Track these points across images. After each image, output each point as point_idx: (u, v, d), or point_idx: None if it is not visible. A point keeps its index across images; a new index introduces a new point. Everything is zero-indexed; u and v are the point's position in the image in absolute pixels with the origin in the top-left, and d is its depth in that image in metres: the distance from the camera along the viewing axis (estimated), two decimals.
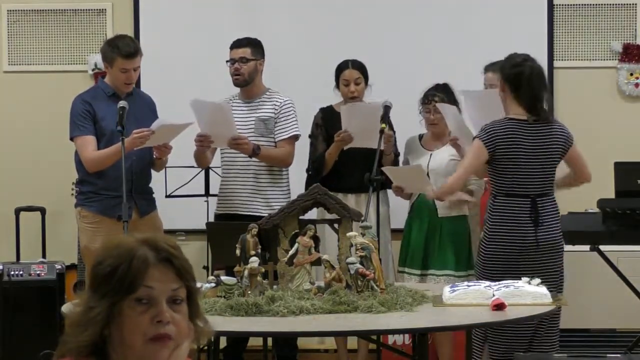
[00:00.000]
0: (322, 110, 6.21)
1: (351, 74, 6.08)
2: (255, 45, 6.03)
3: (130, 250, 2.02)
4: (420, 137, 6.09)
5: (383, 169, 5.71)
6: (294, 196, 5.74)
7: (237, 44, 6.03)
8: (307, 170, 6.18)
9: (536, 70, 5.03)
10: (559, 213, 5.08)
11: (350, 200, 5.81)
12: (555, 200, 5.06)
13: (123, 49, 5.62)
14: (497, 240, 4.93)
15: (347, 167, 5.99)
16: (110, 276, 2.01)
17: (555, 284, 4.89)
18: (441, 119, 5.80)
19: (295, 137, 6.04)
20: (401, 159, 6.13)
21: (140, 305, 2.00)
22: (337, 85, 6.14)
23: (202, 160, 6.03)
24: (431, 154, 5.94)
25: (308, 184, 6.08)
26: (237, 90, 6.07)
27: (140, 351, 2.00)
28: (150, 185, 5.89)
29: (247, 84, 6.00)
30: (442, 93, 5.87)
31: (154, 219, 5.85)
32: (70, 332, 2.03)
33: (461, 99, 5.72)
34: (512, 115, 4.98)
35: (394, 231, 6.22)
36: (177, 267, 2.04)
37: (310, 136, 6.18)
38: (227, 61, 6.01)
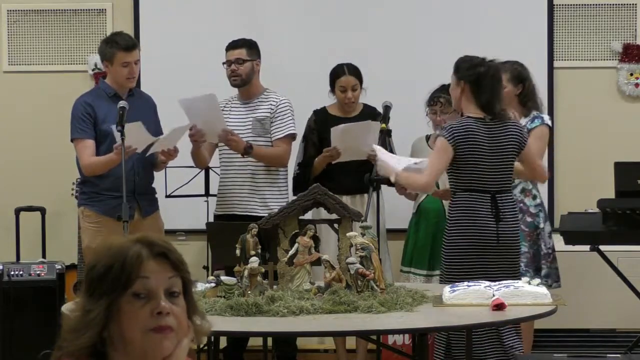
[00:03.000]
0: (315, 112, 6.21)
1: (348, 80, 6.08)
2: (250, 46, 6.02)
3: (124, 249, 2.02)
4: (427, 137, 6.09)
5: (374, 147, 5.72)
6: (292, 197, 5.77)
7: (233, 45, 6.02)
8: (295, 171, 6.20)
9: (497, 71, 5.12)
10: (517, 210, 5.18)
11: (345, 202, 5.80)
12: (513, 197, 5.18)
13: (121, 43, 5.64)
14: (460, 235, 5.02)
15: (341, 169, 5.98)
16: (105, 275, 2.00)
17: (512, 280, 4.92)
18: (448, 120, 5.81)
19: (292, 136, 6.04)
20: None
21: (139, 300, 2.00)
22: (332, 90, 6.14)
23: (199, 159, 6.01)
24: None
25: (295, 184, 6.09)
26: (236, 91, 6.07)
27: (142, 344, 1.99)
28: (153, 185, 5.90)
29: (245, 84, 6.00)
30: (447, 94, 5.87)
31: (156, 220, 5.86)
32: (68, 337, 2.02)
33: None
34: (470, 114, 5.08)
35: (395, 231, 6.22)
36: (172, 260, 2.05)
37: (303, 138, 6.18)
38: (223, 63, 6.01)
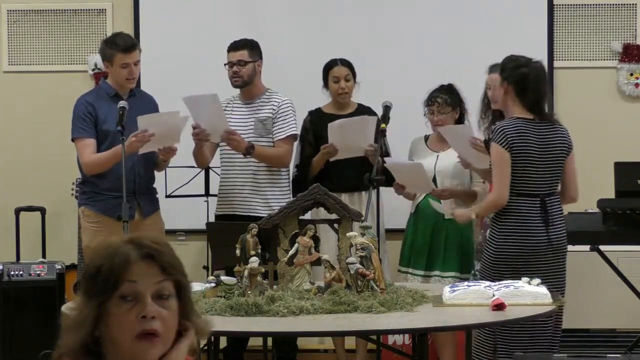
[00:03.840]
0: (311, 113, 6.22)
1: (340, 70, 6.11)
2: (252, 47, 6.02)
3: (113, 250, 2.02)
4: (426, 138, 6.08)
5: (386, 159, 5.72)
6: (293, 196, 5.77)
7: (235, 47, 6.02)
8: (294, 170, 6.20)
9: (542, 71, 5.06)
10: (563, 213, 5.11)
11: (344, 200, 5.80)
12: (560, 200, 5.08)
13: (121, 44, 5.64)
14: (508, 240, 4.94)
15: (338, 167, 5.98)
16: (95, 276, 2.01)
17: (560, 283, 4.92)
18: (445, 120, 5.81)
19: (293, 137, 6.04)
20: (406, 160, 6.12)
21: (126, 303, 2.00)
22: (326, 85, 6.15)
23: (201, 159, 6.01)
24: (438, 155, 5.93)
25: (295, 185, 6.09)
26: (237, 91, 6.08)
27: (129, 350, 2.00)
28: (154, 185, 5.90)
29: (247, 85, 6.00)
30: (445, 94, 5.88)
31: (156, 220, 5.85)
32: (65, 335, 2.03)
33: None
34: (519, 115, 5.01)
35: (394, 231, 6.22)
36: (160, 263, 2.03)
37: (299, 139, 6.19)
38: (225, 64, 6.01)
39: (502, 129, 4.97)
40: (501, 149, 4.94)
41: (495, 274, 4.90)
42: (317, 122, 6.12)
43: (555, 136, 5.03)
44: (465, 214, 5.23)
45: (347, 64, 6.14)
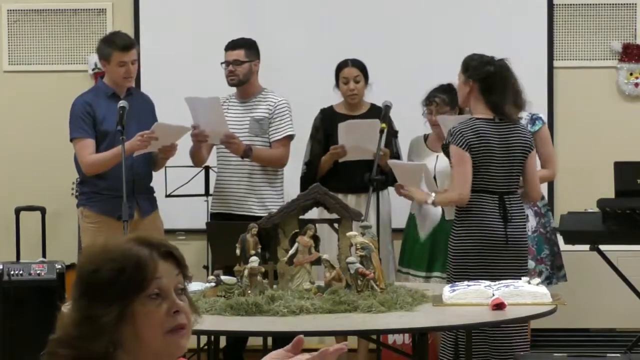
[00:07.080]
0: (322, 111, 6.22)
1: (350, 71, 6.10)
2: (249, 47, 6.02)
3: (130, 251, 2.02)
4: (426, 137, 6.08)
5: (388, 162, 5.71)
6: (287, 196, 5.77)
7: (231, 46, 6.02)
8: (303, 168, 6.20)
9: (507, 70, 5.08)
10: (524, 211, 5.15)
11: (351, 201, 5.81)
12: (520, 199, 5.12)
13: (118, 42, 5.65)
14: (467, 236, 4.99)
15: (346, 167, 5.98)
16: (116, 280, 1.99)
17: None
18: (446, 118, 5.81)
19: (290, 138, 6.04)
20: (405, 159, 6.11)
21: (153, 301, 2.01)
22: (337, 84, 6.15)
23: (197, 158, 6.02)
24: (437, 156, 5.90)
25: (302, 183, 6.08)
26: (234, 90, 6.08)
27: (160, 346, 2.00)
28: (151, 185, 5.90)
29: (242, 84, 6.01)
30: (443, 94, 5.87)
31: (155, 219, 5.85)
32: (75, 344, 2.01)
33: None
34: (478, 115, 5.04)
35: (395, 231, 6.22)
36: (177, 258, 2.07)
37: (310, 136, 6.19)
38: (221, 63, 6.01)
39: (459, 131, 4.99)
40: (460, 149, 4.96)
41: (457, 271, 4.97)
42: (328, 121, 6.12)
43: (516, 136, 5.05)
44: (422, 196, 5.25)
45: (358, 64, 6.12)
